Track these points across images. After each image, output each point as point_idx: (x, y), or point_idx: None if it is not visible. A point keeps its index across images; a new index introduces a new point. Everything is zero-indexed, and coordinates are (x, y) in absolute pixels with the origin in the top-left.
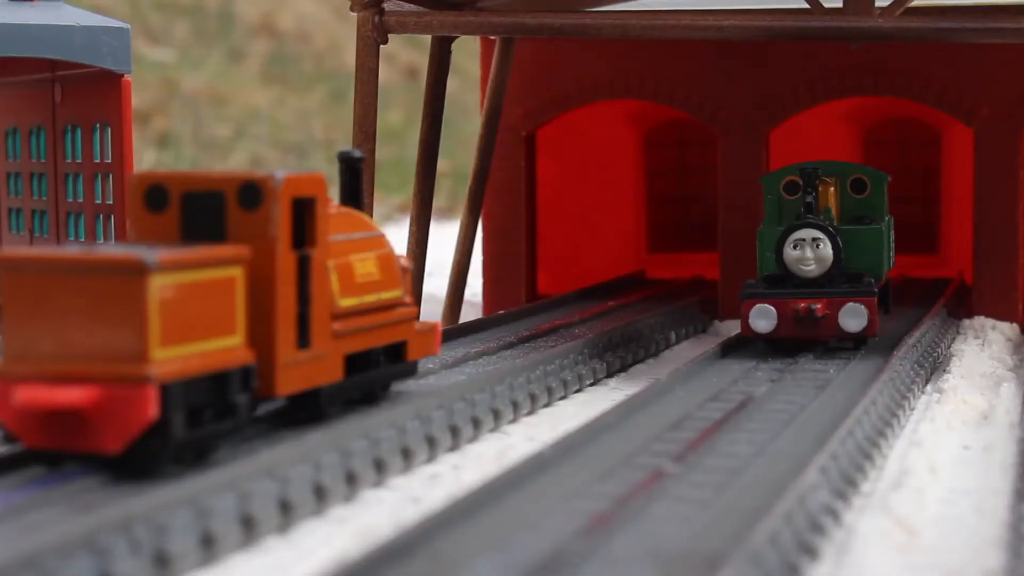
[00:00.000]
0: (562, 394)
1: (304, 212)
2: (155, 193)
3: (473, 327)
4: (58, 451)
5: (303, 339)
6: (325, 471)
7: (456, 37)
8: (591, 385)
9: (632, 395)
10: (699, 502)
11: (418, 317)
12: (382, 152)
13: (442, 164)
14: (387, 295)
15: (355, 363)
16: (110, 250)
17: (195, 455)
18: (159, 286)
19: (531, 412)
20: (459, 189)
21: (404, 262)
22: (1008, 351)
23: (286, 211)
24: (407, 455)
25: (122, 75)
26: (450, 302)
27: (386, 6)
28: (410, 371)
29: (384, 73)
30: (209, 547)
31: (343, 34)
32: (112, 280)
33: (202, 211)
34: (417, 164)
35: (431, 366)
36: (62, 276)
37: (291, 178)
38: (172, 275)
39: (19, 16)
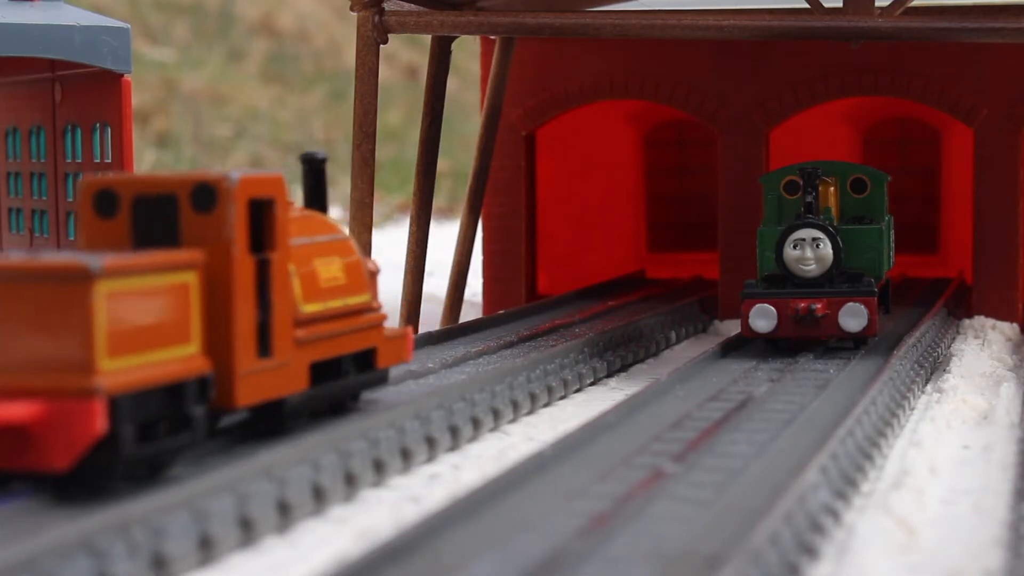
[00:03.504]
0: (562, 394)
1: (262, 214)
2: (105, 198)
3: (473, 327)
4: (2, 470)
5: (264, 347)
6: (324, 471)
7: (456, 37)
8: (591, 385)
9: (632, 395)
10: (699, 502)
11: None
12: (382, 152)
13: (442, 164)
14: (353, 300)
15: (321, 372)
16: (53, 257)
17: (148, 471)
18: (105, 293)
19: (531, 412)
20: (459, 189)
21: (371, 266)
22: (1008, 351)
23: (242, 213)
24: (406, 455)
25: (122, 75)
26: (450, 302)
27: (386, 6)
28: (381, 379)
29: (384, 73)
30: (208, 547)
31: (343, 34)
32: (55, 288)
33: (154, 215)
34: (417, 164)
35: (431, 365)
36: (3, 285)
37: (247, 179)
38: (119, 281)
39: (19, 16)
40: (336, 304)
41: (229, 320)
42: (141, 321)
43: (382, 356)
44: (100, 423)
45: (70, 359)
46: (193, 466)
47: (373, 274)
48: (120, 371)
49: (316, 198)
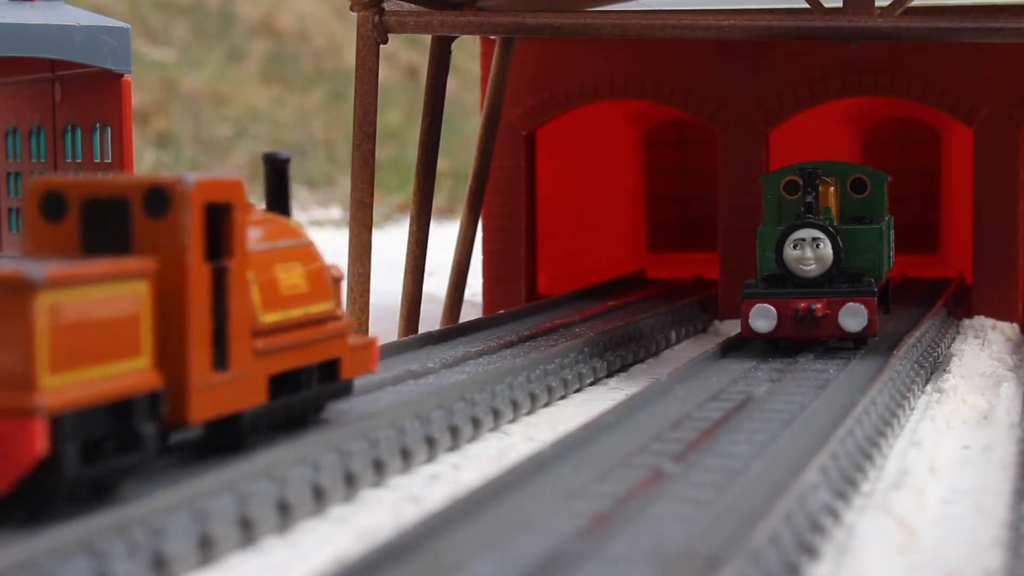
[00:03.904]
0: (562, 394)
1: (219, 219)
2: (52, 200)
3: (473, 327)
4: None
5: (220, 359)
6: (324, 471)
7: (456, 37)
8: (591, 385)
9: (632, 395)
10: (699, 502)
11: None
12: (382, 152)
13: (442, 164)
14: (316, 308)
15: (281, 384)
16: None
17: (94, 492)
18: (48, 305)
19: (531, 412)
20: (459, 189)
21: (335, 272)
22: (1008, 351)
23: (198, 218)
24: (406, 455)
25: (122, 75)
26: (450, 302)
27: (386, 6)
28: (345, 390)
29: (384, 73)
30: (208, 547)
31: (343, 34)
32: None
33: (105, 220)
34: (417, 164)
35: (431, 365)
36: None
37: (203, 182)
38: (64, 292)
39: (19, 16)
40: (297, 313)
41: (183, 331)
42: (87, 334)
43: (346, 366)
44: (40, 444)
45: (9, 375)
46: (190, 469)
47: (337, 280)
48: (63, 388)
49: (279, 200)
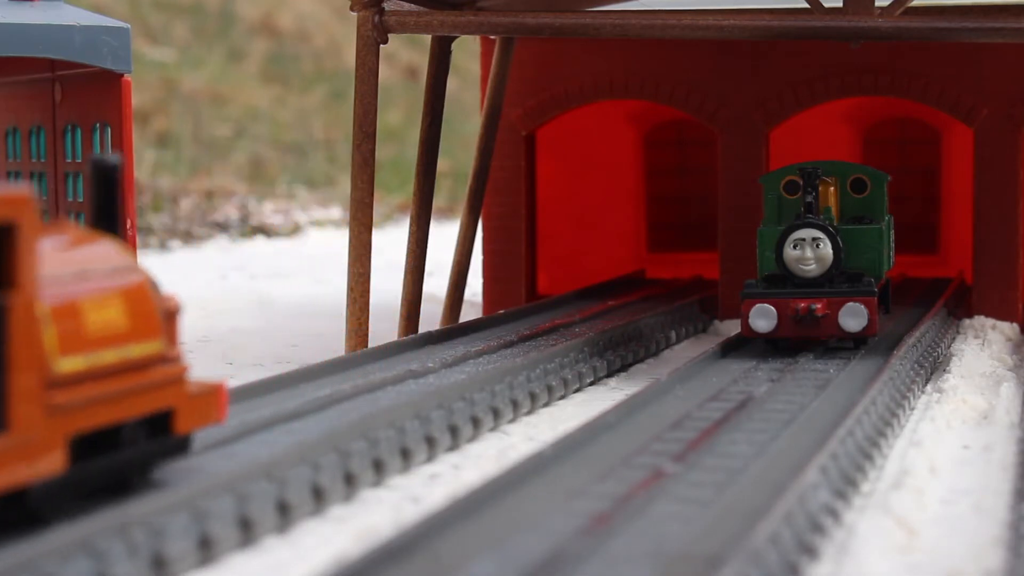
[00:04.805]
0: (562, 393)
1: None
2: None
3: (473, 327)
4: None
5: None
6: (324, 471)
7: (456, 37)
8: (591, 384)
9: (632, 395)
10: (699, 502)
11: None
12: (382, 152)
13: (442, 164)
14: (139, 351)
15: (90, 445)
16: None
17: None
18: None
19: (531, 411)
20: (459, 189)
21: (170, 304)
22: (1008, 351)
23: None
24: (406, 455)
25: (122, 75)
26: (450, 302)
27: (386, 6)
28: (179, 446)
29: (384, 73)
30: (208, 547)
31: (343, 34)
32: None
33: None
34: (417, 164)
35: (431, 365)
36: None
37: None
38: None
39: (19, 16)
40: (110, 357)
41: None
42: None
43: (182, 418)
44: None
45: None
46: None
47: (171, 314)
48: None
49: (106, 216)
